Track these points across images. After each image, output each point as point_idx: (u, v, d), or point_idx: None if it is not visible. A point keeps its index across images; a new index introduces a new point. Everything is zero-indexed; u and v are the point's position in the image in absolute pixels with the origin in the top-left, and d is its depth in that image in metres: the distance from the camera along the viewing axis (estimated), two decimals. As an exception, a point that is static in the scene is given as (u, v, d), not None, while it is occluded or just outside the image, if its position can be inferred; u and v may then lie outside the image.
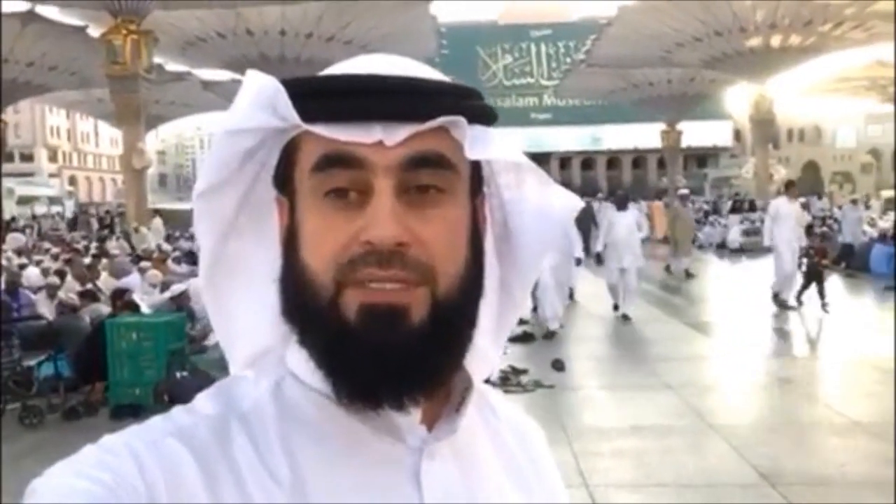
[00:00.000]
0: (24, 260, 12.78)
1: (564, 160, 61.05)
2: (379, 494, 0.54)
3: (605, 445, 5.06)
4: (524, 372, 6.88)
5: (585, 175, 59.49)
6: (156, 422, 0.54)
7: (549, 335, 8.66)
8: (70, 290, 8.47)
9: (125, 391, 5.88)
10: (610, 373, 7.38)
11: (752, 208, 25.50)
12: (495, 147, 0.55)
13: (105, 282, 9.49)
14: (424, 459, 0.56)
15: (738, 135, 57.85)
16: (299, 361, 0.56)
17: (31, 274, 10.65)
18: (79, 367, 6.17)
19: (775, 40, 29.79)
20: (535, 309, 8.91)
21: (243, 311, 0.62)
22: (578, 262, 9.82)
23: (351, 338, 0.52)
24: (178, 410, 0.56)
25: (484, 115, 0.56)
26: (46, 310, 7.82)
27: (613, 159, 63.07)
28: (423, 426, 0.57)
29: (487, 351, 0.64)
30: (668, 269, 15.08)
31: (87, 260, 11.58)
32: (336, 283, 0.52)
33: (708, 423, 5.43)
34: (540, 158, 59.07)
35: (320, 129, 0.52)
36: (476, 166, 0.59)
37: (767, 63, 30.37)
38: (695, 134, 49.35)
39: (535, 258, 0.63)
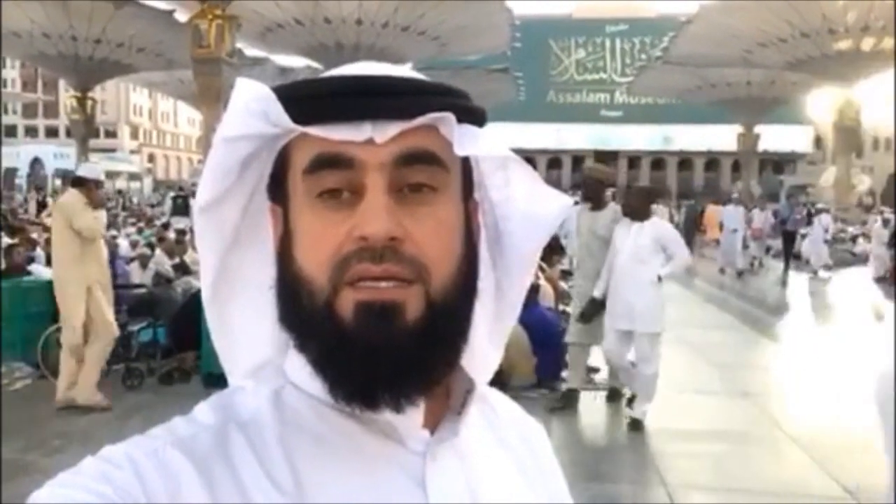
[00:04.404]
0: (114, 232, 13.50)
1: (633, 159, 59.92)
2: (384, 499, 0.54)
3: (681, 446, 5.07)
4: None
5: (655, 175, 58.23)
6: (156, 432, 0.54)
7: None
8: (159, 262, 8.93)
9: (217, 361, 6.17)
10: (683, 376, 7.32)
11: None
12: (484, 143, 0.55)
13: (191, 256, 9.94)
14: (428, 462, 0.56)
15: (818, 141, 55.58)
16: (298, 369, 0.56)
17: (122, 245, 11.31)
18: (173, 336, 6.54)
19: (867, 43, 28.44)
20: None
21: (243, 323, 0.62)
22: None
23: (347, 339, 0.51)
24: (178, 421, 0.56)
25: (473, 115, 0.57)
26: (139, 279, 8.27)
27: (685, 160, 61.50)
28: (425, 430, 0.57)
29: (486, 353, 0.64)
30: None
31: (172, 235, 12.13)
32: (331, 283, 0.52)
33: (787, 434, 5.37)
34: (607, 156, 58.78)
35: (312, 131, 0.53)
36: (467, 170, 0.59)
37: (856, 67, 28.99)
38: (772, 138, 47.76)
39: (526, 261, 0.62)
